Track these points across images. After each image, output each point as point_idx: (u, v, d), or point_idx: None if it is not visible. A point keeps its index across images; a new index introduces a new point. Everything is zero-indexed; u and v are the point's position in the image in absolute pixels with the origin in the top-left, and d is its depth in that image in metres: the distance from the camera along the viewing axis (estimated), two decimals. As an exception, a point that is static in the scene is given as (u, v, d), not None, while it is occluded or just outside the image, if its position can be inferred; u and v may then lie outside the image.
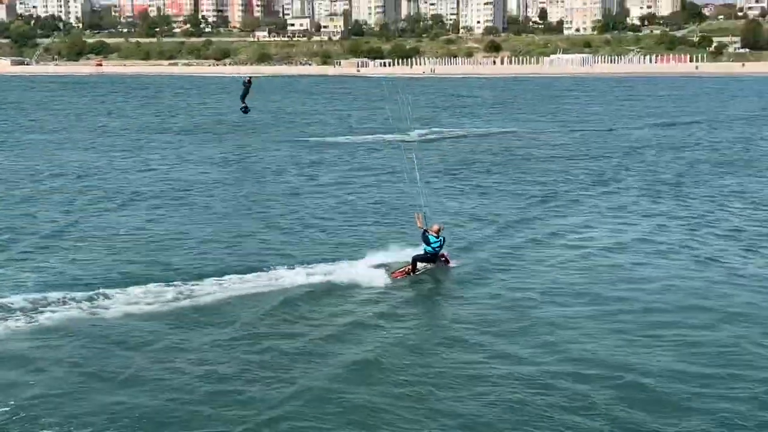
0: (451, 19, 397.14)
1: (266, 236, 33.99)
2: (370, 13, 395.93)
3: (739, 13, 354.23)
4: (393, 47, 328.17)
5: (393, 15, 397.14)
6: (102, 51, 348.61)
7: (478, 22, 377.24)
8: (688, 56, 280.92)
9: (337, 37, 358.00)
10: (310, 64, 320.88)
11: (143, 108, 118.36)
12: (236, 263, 29.20)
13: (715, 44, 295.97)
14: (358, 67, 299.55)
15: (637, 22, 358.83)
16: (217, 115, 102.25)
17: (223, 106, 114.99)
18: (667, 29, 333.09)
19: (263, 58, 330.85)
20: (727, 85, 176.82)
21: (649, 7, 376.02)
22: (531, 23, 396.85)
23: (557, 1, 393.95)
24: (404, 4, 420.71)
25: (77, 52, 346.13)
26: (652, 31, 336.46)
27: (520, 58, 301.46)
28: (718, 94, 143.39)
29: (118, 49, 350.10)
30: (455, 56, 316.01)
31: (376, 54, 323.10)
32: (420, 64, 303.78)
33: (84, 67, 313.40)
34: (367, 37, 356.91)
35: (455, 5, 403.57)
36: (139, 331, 22.83)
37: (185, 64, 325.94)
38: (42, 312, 23.99)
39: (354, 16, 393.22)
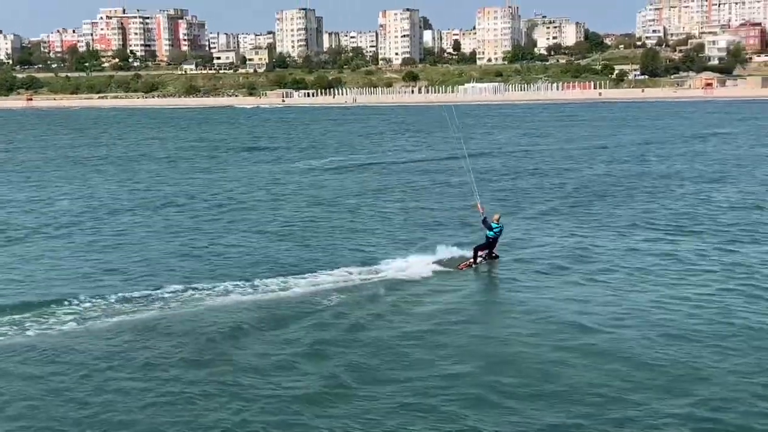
0: (370, 51, 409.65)
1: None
2: (293, 46, 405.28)
3: (638, 43, 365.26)
4: (316, 78, 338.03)
5: (315, 47, 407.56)
6: (32, 86, 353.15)
7: (396, 53, 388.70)
8: (592, 83, 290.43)
9: (262, 70, 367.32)
10: (236, 95, 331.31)
11: (70, 139, 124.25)
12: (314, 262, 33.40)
13: (616, 72, 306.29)
14: (283, 97, 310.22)
15: (544, 52, 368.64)
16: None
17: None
18: (572, 58, 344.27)
19: (191, 90, 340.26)
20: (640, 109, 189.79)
21: (554, 38, 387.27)
22: (446, 54, 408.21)
23: (469, 33, 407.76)
24: (326, 37, 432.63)
25: (8, 87, 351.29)
26: (558, 61, 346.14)
27: (437, 87, 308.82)
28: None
29: (48, 84, 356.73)
30: (376, 86, 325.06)
31: (299, 85, 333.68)
32: (342, 94, 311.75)
33: (15, 102, 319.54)
34: (290, 69, 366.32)
35: (374, 38, 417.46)
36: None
37: (114, 97, 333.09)
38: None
39: (278, 49, 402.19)
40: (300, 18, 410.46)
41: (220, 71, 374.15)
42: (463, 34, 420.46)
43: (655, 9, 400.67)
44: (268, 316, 25.86)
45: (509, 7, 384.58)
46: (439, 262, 32.13)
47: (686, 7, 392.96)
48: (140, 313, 26.30)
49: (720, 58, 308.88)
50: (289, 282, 29.78)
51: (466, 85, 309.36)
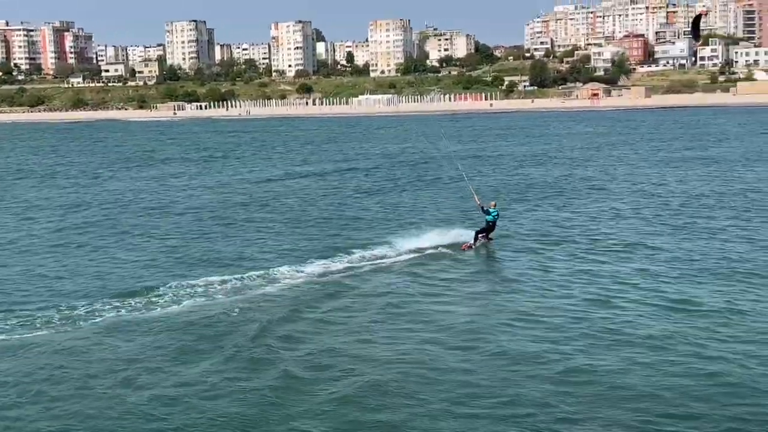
0: (263, 63, 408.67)
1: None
2: (184, 59, 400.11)
3: (527, 54, 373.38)
4: (208, 91, 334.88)
5: (207, 60, 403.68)
6: None
7: (290, 65, 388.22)
8: (484, 94, 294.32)
9: (152, 82, 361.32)
10: (126, 108, 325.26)
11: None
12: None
13: (506, 83, 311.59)
14: (174, 110, 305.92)
15: (436, 64, 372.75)
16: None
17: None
18: (464, 70, 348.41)
19: (78, 103, 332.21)
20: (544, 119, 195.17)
21: (446, 50, 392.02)
22: (339, 66, 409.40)
23: (362, 45, 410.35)
24: (217, 49, 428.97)
25: None
26: (450, 72, 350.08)
27: (331, 99, 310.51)
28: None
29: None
30: (269, 98, 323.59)
31: (191, 97, 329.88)
32: (236, 106, 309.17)
33: None
34: (182, 82, 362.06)
35: (267, 50, 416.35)
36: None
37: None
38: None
39: (168, 62, 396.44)
40: (191, 30, 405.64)
41: (109, 84, 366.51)
42: (356, 46, 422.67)
43: (543, 21, 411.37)
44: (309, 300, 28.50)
45: (401, 19, 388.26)
46: (446, 246, 36.34)
47: (572, 19, 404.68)
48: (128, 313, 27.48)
49: (605, 69, 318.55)
50: (310, 268, 33.15)
51: (360, 97, 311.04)
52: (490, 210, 36.75)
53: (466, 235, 37.41)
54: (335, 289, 30.00)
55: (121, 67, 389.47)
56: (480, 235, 36.76)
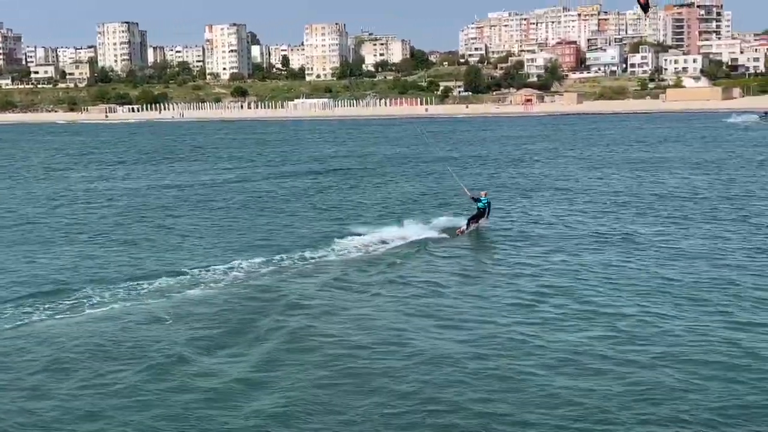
0: (197, 66, 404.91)
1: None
2: (116, 60, 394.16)
3: (461, 60, 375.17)
4: (141, 93, 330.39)
5: (139, 62, 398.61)
6: None
7: (224, 68, 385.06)
8: (419, 99, 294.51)
9: (83, 84, 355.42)
10: (56, 111, 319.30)
11: None
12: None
13: (442, 88, 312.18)
14: (106, 112, 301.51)
15: (372, 69, 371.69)
16: None
17: None
18: (399, 75, 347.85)
19: (6, 106, 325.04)
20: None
21: (381, 55, 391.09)
22: (275, 69, 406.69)
23: (298, 49, 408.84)
24: (150, 51, 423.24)
25: None
26: (385, 77, 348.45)
27: (266, 103, 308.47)
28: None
29: None
30: (203, 101, 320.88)
31: (124, 100, 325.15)
32: (169, 109, 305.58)
33: None
34: (114, 84, 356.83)
35: (201, 52, 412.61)
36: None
37: None
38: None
39: (100, 63, 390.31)
40: (123, 31, 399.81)
41: (39, 86, 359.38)
42: (292, 49, 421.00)
43: (477, 27, 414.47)
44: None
45: (336, 23, 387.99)
46: (443, 230, 40.59)
47: (506, 26, 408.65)
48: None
49: (538, 75, 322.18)
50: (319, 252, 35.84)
51: (296, 100, 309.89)
52: (481, 198, 41.41)
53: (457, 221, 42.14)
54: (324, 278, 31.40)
55: (51, 69, 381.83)
56: (471, 221, 41.13)
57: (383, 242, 38.00)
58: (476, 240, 40.21)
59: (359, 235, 39.35)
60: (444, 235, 39.74)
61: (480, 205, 41.26)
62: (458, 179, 47.05)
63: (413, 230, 40.12)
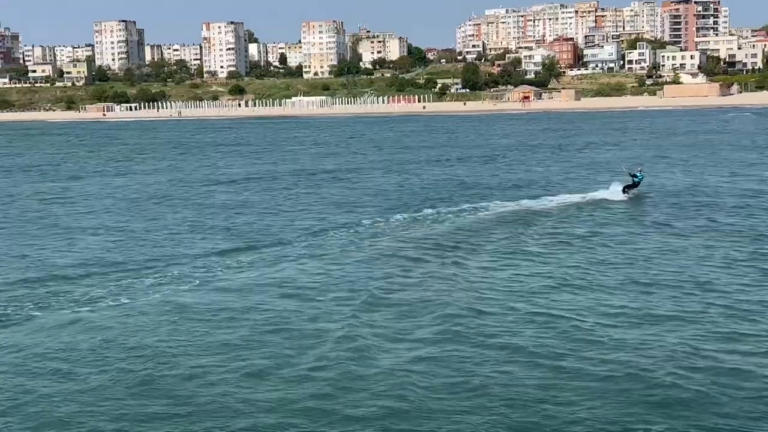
0: (195, 64, 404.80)
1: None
2: (113, 59, 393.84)
3: (459, 57, 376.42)
4: (138, 92, 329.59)
5: (137, 60, 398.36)
6: None
7: (222, 66, 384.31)
8: (416, 97, 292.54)
9: (80, 83, 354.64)
10: (53, 110, 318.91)
11: None
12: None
13: (439, 85, 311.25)
14: (104, 111, 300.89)
15: (369, 66, 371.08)
16: None
17: None
18: (397, 72, 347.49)
19: (4, 105, 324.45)
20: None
21: (379, 52, 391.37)
22: (272, 67, 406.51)
23: (295, 47, 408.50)
24: (148, 49, 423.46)
25: None
26: (383, 75, 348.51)
27: (264, 101, 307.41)
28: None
29: None
30: (201, 99, 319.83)
31: (121, 99, 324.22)
32: (166, 107, 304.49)
33: None
34: (111, 83, 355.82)
35: (198, 51, 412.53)
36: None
37: None
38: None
39: (97, 62, 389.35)
40: (120, 30, 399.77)
41: (36, 85, 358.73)
42: (289, 47, 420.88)
43: (474, 25, 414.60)
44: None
45: (334, 21, 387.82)
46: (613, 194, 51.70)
47: (503, 23, 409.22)
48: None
49: (536, 72, 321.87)
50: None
51: (294, 98, 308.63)
52: (637, 174, 52.40)
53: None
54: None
55: (48, 68, 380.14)
56: (627, 189, 51.80)
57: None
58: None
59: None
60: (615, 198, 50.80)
61: (636, 179, 52.14)
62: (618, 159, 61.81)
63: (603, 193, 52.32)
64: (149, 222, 46.97)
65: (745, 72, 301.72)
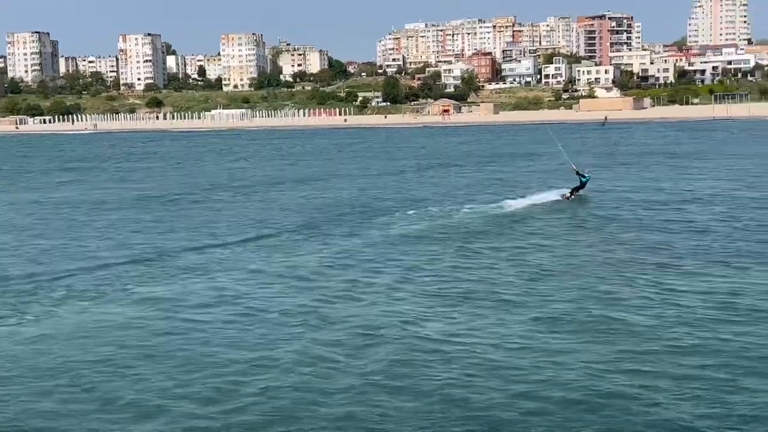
0: (111, 77, 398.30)
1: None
2: (26, 71, 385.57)
3: (379, 71, 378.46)
4: (52, 104, 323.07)
5: (51, 72, 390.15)
6: None
7: (139, 79, 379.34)
8: (338, 110, 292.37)
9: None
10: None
11: None
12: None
13: (360, 99, 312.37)
14: (17, 124, 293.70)
15: (290, 79, 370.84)
16: None
17: None
18: (318, 86, 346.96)
19: None
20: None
21: (299, 65, 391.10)
22: (191, 80, 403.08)
23: (214, 60, 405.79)
24: (62, 61, 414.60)
25: None
26: (303, 88, 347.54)
27: (183, 114, 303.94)
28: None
29: None
30: (118, 112, 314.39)
31: (35, 111, 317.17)
32: (81, 120, 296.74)
33: None
34: (24, 95, 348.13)
35: (114, 63, 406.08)
36: None
37: None
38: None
39: (10, 74, 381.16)
40: (33, 41, 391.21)
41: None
42: (208, 60, 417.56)
43: (394, 38, 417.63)
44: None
45: (253, 33, 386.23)
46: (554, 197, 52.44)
47: (423, 36, 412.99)
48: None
49: (455, 86, 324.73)
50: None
51: (213, 111, 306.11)
52: (585, 175, 52.08)
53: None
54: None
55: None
56: (574, 192, 51.81)
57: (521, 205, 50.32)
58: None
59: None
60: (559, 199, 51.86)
61: (583, 180, 52.10)
62: (567, 156, 58.30)
63: (537, 197, 52.46)
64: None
65: (657, 86, 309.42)
